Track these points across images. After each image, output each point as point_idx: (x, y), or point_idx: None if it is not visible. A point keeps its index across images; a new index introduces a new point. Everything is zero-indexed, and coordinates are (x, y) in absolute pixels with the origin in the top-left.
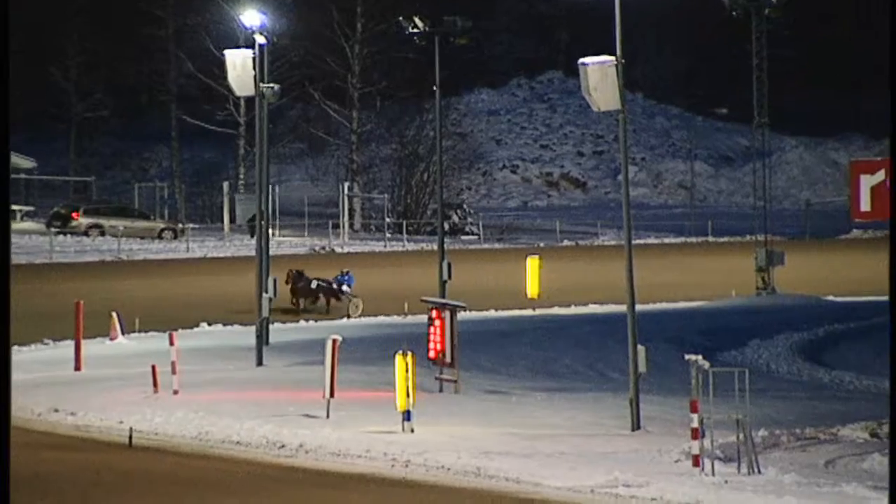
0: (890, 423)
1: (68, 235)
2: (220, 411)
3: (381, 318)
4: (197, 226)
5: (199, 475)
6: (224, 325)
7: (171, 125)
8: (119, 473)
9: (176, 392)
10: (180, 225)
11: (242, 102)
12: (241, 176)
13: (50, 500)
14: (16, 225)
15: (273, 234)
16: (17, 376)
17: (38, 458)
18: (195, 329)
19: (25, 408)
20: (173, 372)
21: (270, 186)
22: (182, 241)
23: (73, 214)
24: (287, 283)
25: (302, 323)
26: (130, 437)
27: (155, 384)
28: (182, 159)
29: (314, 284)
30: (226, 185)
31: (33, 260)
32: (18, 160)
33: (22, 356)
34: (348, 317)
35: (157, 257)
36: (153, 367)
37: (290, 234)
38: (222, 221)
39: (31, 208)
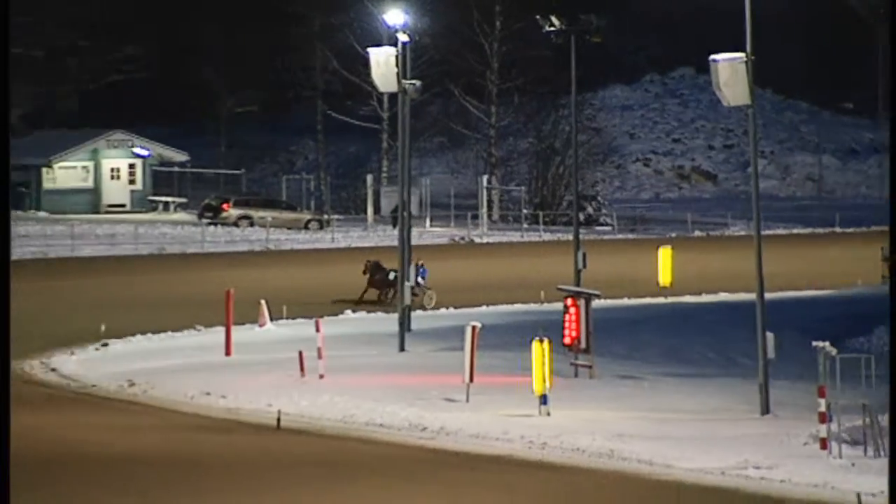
0: (890, 423)
1: (219, 226)
2: (364, 395)
3: (518, 306)
4: (342, 217)
5: (344, 456)
6: (367, 312)
7: (317, 120)
8: (268, 454)
9: (322, 376)
10: (326, 216)
11: (385, 98)
12: (384, 169)
13: (202, 479)
14: (169, 216)
15: (425, 226)
16: (170, 361)
17: (191, 439)
18: (340, 316)
19: (178, 391)
20: (319, 357)
21: (422, 179)
22: (327, 232)
23: (224, 206)
24: (364, 273)
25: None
26: (279, 420)
27: (302, 369)
28: (328, 153)
29: (392, 276)
30: (369, 177)
31: (185, 249)
32: (172, 153)
33: (175, 342)
34: (423, 309)
35: (304, 247)
36: (300, 353)
37: (437, 225)
38: (366, 212)
39: (183, 200)
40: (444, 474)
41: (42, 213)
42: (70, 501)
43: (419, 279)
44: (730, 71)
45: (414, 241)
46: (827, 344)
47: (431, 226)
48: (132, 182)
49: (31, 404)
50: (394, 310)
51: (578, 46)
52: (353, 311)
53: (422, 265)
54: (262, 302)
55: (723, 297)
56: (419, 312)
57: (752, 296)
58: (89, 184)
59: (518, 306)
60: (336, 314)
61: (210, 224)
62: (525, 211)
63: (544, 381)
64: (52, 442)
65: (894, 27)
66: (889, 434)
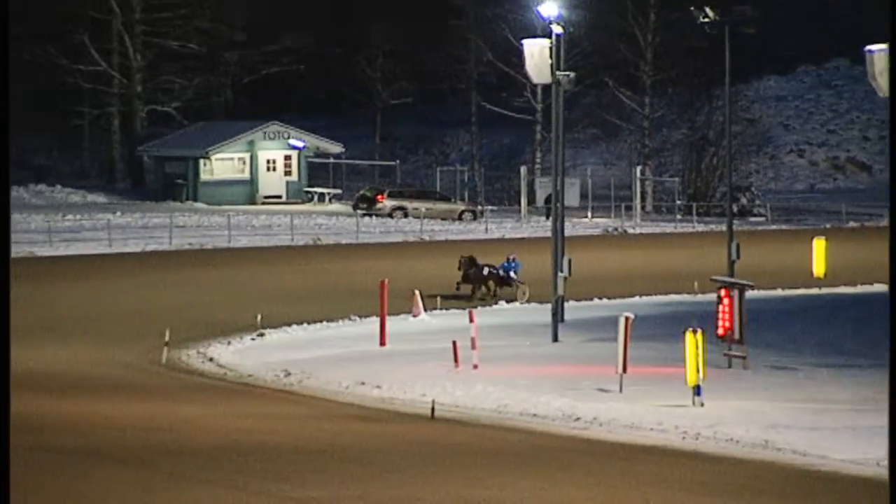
0: (889, 424)
1: (373, 217)
2: (517, 385)
3: (671, 297)
4: (495, 207)
5: (498, 446)
6: (521, 302)
7: (471, 111)
8: (422, 444)
9: (476, 366)
10: (479, 207)
11: (539, 89)
12: (538, 160)
13: (357, 468)
14: (324, 207)
15: (588, 216)
16: (325, 351)
17: (346, 428)
18: (493, 306)
19: (333, 381)
20: (473, 347)
21: (586, 169)
22: (481, 223)
23: (379, 197)
24: (459, 269)
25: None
26: (433, 410)
27: (456, 359)
28: (481, 144)
29: (486, 271)
30: (523, 168)
31: (340, 241)
32: (327, 145)
33: (330, 332)
34: (518, 302)
35: (457, 238)
36: (454, 343)
37: (598, 216)
38: (519, 204)
39: (338, 191)
40: (597, 465)
41: (199, 205)
42: (229, 491)
43: (512, 273)
44: (885, 61)
45: (567, 233)
46: None
47: (590, 217)
48: (288, 173)
49: (188, 394)
50: (486, 304)
51: (732, 37)
52: (507, 302)
53: (514, 259)
54: (416, 292)
55: (878, 287)
56: (572, 303)
57: None
58: (245, 175)
59: (671, 297)
60: (489, 305)
61: (365, 215)
62: (678, 202)
63: (698, 371)
64: (208, 432)
65: (894, 27)
66: (889, 433)
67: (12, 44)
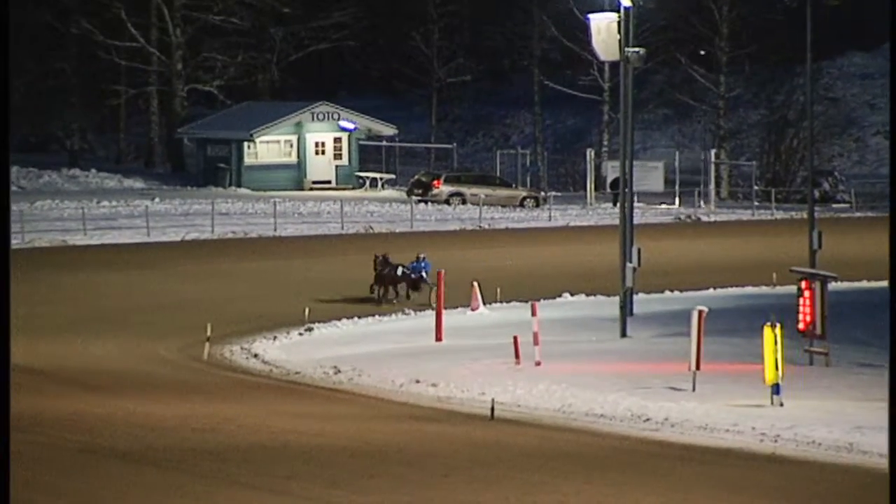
0: (889, 424)
1: (429, 203)
2: (582, 383)
3: (748, 289)
4: (559, 193)
5: (563, 448)
6: (587, 295)
7: (534, 91)
8: (481, 446)
9: (538, 363)
10: (542, 193)
11: (606, 67)
12: (605, 142)
13: (411, 471)
14: (377, 193)
15: (666, 203)
16: (377, 347)
17: (400, 429)
18: (557, 299)
19: (387, 379)
20: (535, 343)
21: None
22: (544, 210)
23: (435, 182)
24: (374, 269)
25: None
26: (492, 409)
27: (517, 355)
28: (544, 125)
29: (400, 271)
30: (589, 151)
31: (394, 228)
32: (380, 127)
33: (383, 326)
34: (431, 306)
35: (519, 226)
36: (515, 338)
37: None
38: (585, 189)
39: (392, 176)
40: (668, 468)
41: (243, 191)
42: (274, 497)
43: (423, 274)
44: None
45: (636, 220)
46: None
47: (677, 204)
48: (338, 157)
49: (231, 393)
50: (396, 308)
51: (815, 10)
52: (572, 295)
53: (423, 258)
54: (475, 284)
55: None
56: (641, 296)
57: None
58: (292, 159)
59: (748, 289)
60: (553, 297)
61: (420, 201)
62: (756, 187)
63: (776, 369)
64: (252, 433)
65: (894, 27)
66: (888, 433)
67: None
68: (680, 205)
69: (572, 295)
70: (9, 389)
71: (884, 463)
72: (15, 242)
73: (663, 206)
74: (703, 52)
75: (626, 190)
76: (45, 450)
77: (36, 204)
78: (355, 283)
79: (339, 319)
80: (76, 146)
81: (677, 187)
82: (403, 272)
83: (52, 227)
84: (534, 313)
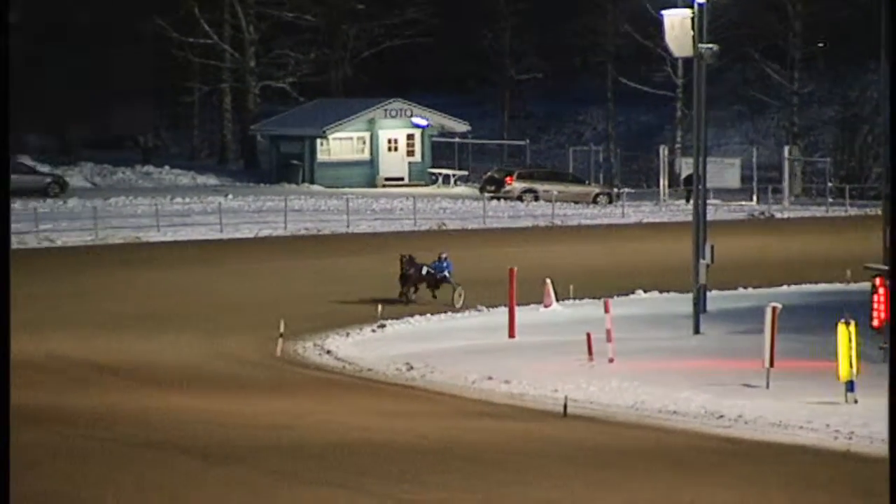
0: (889, 424)
1: (502, 200)
2: (655, 380)
3: (822, 286)
4: (632, 190)
5: (635, 445)
6: (660, 292)
7: (607, 87)
8: (553, 443)
9: (611, 360)
10: (615, 189)
11: (680, 63)
12: (678, 139)
13: (484, 468)
14: (449, 189)
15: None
16: (450, 343)
17: (472, 426)
18: (630, 296)
19: (459, 375)
20: (608, 340)
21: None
22: (617, 206)
23: (507, 179)
24: (401, 269)
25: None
26: (565, 406)
27: (590, 352)
28: (617, 122)
29: (424, 271)
30: (662, 148)
31: (466, 225)
32: (453, 123)
33: (455, 323)
34: (455, 306)
35: (592, 222)
36: (588, 335)
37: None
38: (658, 186)
39: (464, 173)
40: (741, 466)
41: (316, 187)
42: (345, 493)
43: (445, 273)
44: None
45: (709, 217)
46: None
47: (755, 201)
48: (410, 154)
49: (303, 389)
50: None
51: (891, 4)
52: (645, 291)
53: (445, 258)
54: (548, 281)
55: None
56: (715, 293)
57: None
58: (365, 156)
59: (821, 286)
60: (626, 294)
61: (492, 198)
62: (830, 184)
63: (851, 366)
64: (324, 430)
65: (894, 26)
66: (888, 433)
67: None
68: (758, 202)
69: (645, 292)
70: (9, 389)
71: None
72: (88, 239)
73: (737, 203)
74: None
75: (699, 186)
76: (115, 446)
77: (110, 201)
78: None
79: (412, 316)
80: (150, 143)
81: (755, 184)
82: (428, 272)
83: (125, 224)
84: (607, 310)
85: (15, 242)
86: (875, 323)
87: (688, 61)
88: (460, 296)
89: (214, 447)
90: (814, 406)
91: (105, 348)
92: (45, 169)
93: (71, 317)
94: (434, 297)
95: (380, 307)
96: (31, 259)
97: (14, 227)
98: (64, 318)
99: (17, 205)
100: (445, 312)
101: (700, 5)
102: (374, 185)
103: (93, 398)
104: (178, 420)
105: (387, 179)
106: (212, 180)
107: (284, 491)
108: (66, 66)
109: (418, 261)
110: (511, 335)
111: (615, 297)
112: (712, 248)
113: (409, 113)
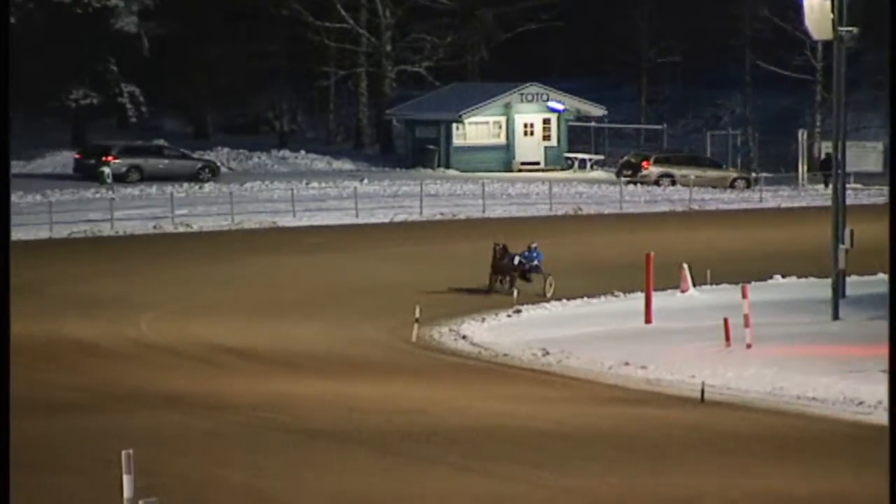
0: (889, 423)
1: (638, 185)
2: (794, 366)
3: None
4: (770, 175)
5: (773, 432)
6: (798, 277)
7: (745, 71)
8: (691, 429)
9: (749, 346)
10: (753, 174)
11: (819, 47)
12: (818, 123)
13: (621, 454)
14: (585, 174)
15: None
16: (586, 329)
17: (609, 412)
18: (768, 281)
19: (595, 361)
20: (746, 325)
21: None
22: (755, 191)
23: (644, 163)
24: (494, 258)
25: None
26: (702, 392)
27: (727, 338)
28: (755, 106)
29: (517, 261)
30: (801, 132)
31: (602, 210)
32: (589, 108)
33: (591, 308)
34: (546, 296)
35: (729, 207)
36: (725, 321)
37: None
38: (797, 170)
39: (600, 157)
40: (881, 453)
41: (452, 172)
42: (484, 479)
43: (535, 263)
44: None
45: (849, 202)
46: None
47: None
48: (546, 138)
49: (439, 374)
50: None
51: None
52: (783, 277)
53: (535, 248)
54: (685, 266)
55: None
56: (854, 278)
57: None
58: (501, 140)
59: None
60: (764, 279)
61: (629, 183)
62: None
63: None
64: (461, 416)
65: (894, 26)
66: (889, 433)
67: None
68: None
69: (783, 277)
70: (9, 389)
71: None
72: (224, 224)
73: (877, 187)
74: None
75: (838, 170)
76: (253, 430)
77: (245, 185)
78: (564, 262)
79: (549, 301)
80: (286, 128)
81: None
82: (520, 262)
83: (261, 209)
84: (744, 295)
85: (151, 227)
86: None
87: (827, 44)
88: (551, 285)
89: (352, 432)
90: None
91: (243, 333)
92: (196, 154)
93: (209, 302)
94: (527, 281)
95: (516, 292)
96: (168, 244)
97: (150, 211)
98: (202, 304)
99: (153, 189)
100: (581, 298)
101: None
102: (510, 170)
103: (235, 383)
104: (317, 405)
105: (523, 164)
106: (347, 165)
107: (424, 477)
108: (203, 51)
109: (511, 251)
110: (648, 320)
111: (753, 283)
112: (852, 232)
113: (545, 97)
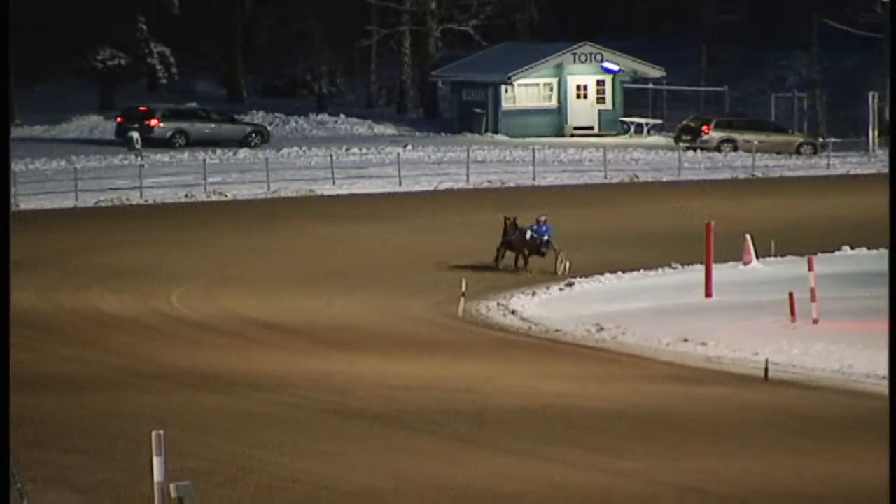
0: (889, 422)
1: (698, 151)
2: (863, 342)
3: None
4: (839, 140)
5: (841, 412)
6: (868, 248)
7: (812, 30)
8: (754, 409)
9: (815, 321)
10: (820, 139)
11: (890, 3)
12: (888, 85)
13: (680, 435)
14: (642, 139)
15: None
16: (642, 303)
17: (667, 391)
18: (836, 253)
19: (652, 337)
20: (812, 299)
21: None
22: (822, 157)
23: (704, 128)
24: (504, 233)
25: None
26: (766, 370)
27: (793, 313)
28: (823, 67)
29: (528, 236)
30: (872, 95)
31: (660, 177)
32: (646, 69)
33: (648, 281)
34: (558, 274)
35: (795, 174)
36: (790, 295)
37: None
38: (867, 135)
39: (658, 121)
40: None
41: (500, 137)
42: (535, 462)
43: (546, 238)
44: None
45: None
46: None
47: None
48: (601, 101)
49: (487, 351)
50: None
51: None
52: (852, 248)
53: (545, 222)
54: (748, 237)
55: None
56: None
57: None
58: (552, 103)
59: None
60: (832, 251)
61: (688, 148)
62: None
63: None
64: (510, 395)
65: (894, 25)
66: (889, 433)
67: None
68: None
69: (852, 248)
70: (8, 388)
71: None
72: (260, 191)
73: None
74: None
75: None
76: (292, 410)
77: (282, 151)
78: (619, 233)
79: (602, 274)
80: (324, 90)
81: None
82: (532, 237)
83: (298, 176)
84: (811, 268)
85: (182, 196)
86: None
87: None
88: (562, 262)
89: (396, 412)
90: None
91: (280, 307)
92: (246, 118)
93: (243, 273)
94: (525, 263)
95: (567, 264)
96: (201, 213)
97: (181, 179)
98: (236, 276)
99: (185, 155)
100: (637, 270)
101: None
102: (562, 135)
103: (272, 360)
104: (359, 383)
105: (575, 128)
106: (390, 130)
107: (472, 460)
108: (237, 8)
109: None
110: (708, 294)
111: (820, 254)
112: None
113: (599, 58)
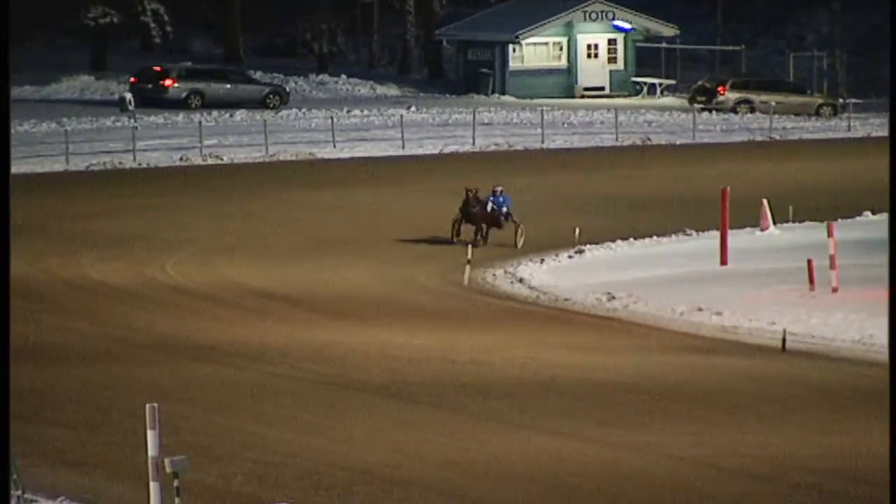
0: (890, 420)
1: (713, 112)
2: (884, 312)
3: None
4: (859, 101)
5: (861, 384)
6: (518, 246)
7: None
8: (771, 381)
9: (835, 290)
10: (841, 100)
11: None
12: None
13: (696, 407)
14: (655, 100)
15: None
16: (657, 271)
17: (681, 362)
18: (857, 218)
19: (666, 306)
20: (832, 267)
21: None
22: (842, 119)
23: (720, 89)
24: (464, 206)
25: None
26: (783, 341)
27: (811, 281)
28: (844, 25)
29: (489, 208)
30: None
31: (674, 140)
32: (660, 27)
33: (662, 248)
34: (516, 247)
35: (814, 137)
36: (809, 262)
37: None
38: (889, 96)
39: (671, 82)
40: None
41: (507, 98)
42: (545, 437)
43: (505, 209)
44: None
45: None
46: None
47: None
48: (612, 61)
49: (494, 321)
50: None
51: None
52: (873, 213)
53: (501, 192)
54: (765, 202)
55: None
56: None
57: None
58: (562, 63)
59: None
60: (853, 216)
61: (703, 110)
62: None
63: None
64: (517, 366)
65: (894, 25)
66: (889, 433)
67: None
68: None
69: (874, 214)
70: (8, 387)
71: None
72: (258, 155)
73: None
74: None
75: None
76: (291, 382)
77: (281, 114)
78: (630, 198)
79: (613, 241)
80: (325, 50)
81: None
82: (492, 209)
83: (298, 139)
84: (830, 234)
85: (177, 159)
86: None
87: None
88: (521, 235)
89: (401, 384)
90: None
91: (280, 276)
92: (264, 78)
93: (241, 241)
94: (485, 237)
95: (577, 230)
96: (197, 177)
97: (176, 142)
98: (234, 243)
99: (179, 117)
100: (650, 237)
101: None
102: (572, 96)
103: (272, 331)
104: (362, 355)
105: (586, 89)
106: (392, 91)
107: (479, 433)
108: None
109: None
110: (723, 262)
111: (840, 220)
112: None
113: (610, 15)
